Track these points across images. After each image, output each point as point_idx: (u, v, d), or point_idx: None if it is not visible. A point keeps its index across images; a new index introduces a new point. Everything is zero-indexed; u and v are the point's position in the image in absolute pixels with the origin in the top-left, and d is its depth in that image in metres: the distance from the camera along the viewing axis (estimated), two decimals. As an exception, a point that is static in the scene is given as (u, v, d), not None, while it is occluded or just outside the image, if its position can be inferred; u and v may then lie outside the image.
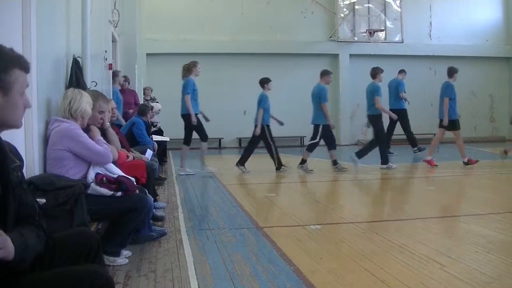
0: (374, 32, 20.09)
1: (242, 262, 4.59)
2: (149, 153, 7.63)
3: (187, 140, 11.28)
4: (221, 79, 19.28)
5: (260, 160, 12.23)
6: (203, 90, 19.09)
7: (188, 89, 10.86)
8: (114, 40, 12.23)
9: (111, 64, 10.91)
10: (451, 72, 12.11)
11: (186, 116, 10.99)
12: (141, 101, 13.05)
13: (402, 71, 15.01)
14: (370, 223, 6.52)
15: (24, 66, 2.16)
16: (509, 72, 22.13)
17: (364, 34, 20.18)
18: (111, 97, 12.06)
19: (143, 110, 10.04)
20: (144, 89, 15.42)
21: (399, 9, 20.41)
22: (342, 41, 20.26)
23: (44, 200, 3.61)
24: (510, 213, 6.83)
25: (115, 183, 4.55)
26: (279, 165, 11.35)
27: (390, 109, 13.67)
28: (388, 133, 13.61)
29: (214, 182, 10.24)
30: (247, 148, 11.73)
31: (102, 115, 5.29)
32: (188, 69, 11.18)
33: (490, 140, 20.82)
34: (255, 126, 11.42)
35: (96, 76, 7.76)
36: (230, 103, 18.72)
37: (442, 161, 12.55)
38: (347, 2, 20.19)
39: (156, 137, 10.95)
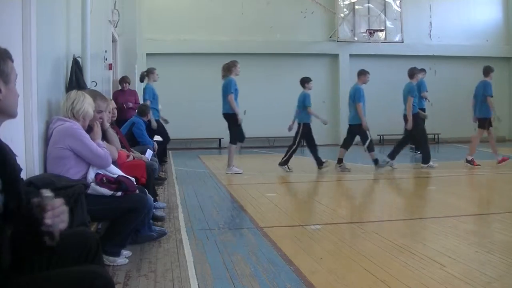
0: (374, 32, 20.08)
1: (242, 262, 4.59)
2: (149, 153, 7.64)
3: (234, 139, 11.39)
4: (221, 79, 19.23)
5: (260, 160, 12.22)
6: (203, 90, 19.21)
7: (232, 89, 11.11)
8: (114, 40, 12.23)
9: (111, 64, 10.91)
10: (487, 71, 12.29)
11: (230, 115, 11.18)
12: (141, 101, 13.04)
13: (422, 70, 14.95)
14: (370, 223, 6.52)
15: (10, 56, 2.23)
16: (509, 72, 22.12)
17: (364, 34, 20.17)
18: (141, 95, 12.21)
19: (143, 110, 10.04)
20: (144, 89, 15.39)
21: (399, 9, 20.40)
22: (342, 41, 20.24)
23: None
24: (510, 213, 6.83)
25: (115, 183, 4.55)
26: (284, 163, 11.36)
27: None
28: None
29: (214, 182, 10.23)
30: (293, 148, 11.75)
31: (100, 114, 5.29)
32: (228, 69, 11.48)
33: (490, 140, 20.77)
34: (299, 125, 11.65)
35: (96, 76, 7.76)
36: (230, 103, 18.69)
37: (443, 161, 12.55)
38: (347, 2, 20.18)
39: (156, 138, 10.95)
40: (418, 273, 4.20)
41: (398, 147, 12.00)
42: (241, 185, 9.88)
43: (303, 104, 11.64)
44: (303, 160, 12.71)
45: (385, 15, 20.31)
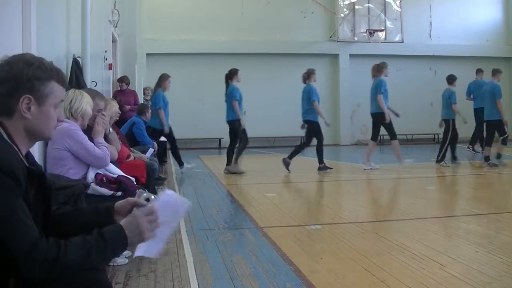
0: (374, 32, 20.09)
1: (242, 262, 4.59)
2: (150, 151, 7.66)
3: (375, 136, 11.82)
4: (221, 79, 19.20)
5: (259, 160, 12.22)
6: (204, 89, 19.23)
7: (382, 89, 11.35)
8: (114, 40, 12.23)
9: (111, 64, 10.92)
10: (496, 72, 12.39)
11: (378, 115, 11.41)
12: (141, 101, 13.06)
13: (480, 71, 15.11)
14: (370, 223, 6.51)
15: (61, 79, 2.16)
16: (509, 72, 22.12)
17: (364, 34, 20.19)
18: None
19: (142, 109, 10.04)
20: (144, 89, 15.42)
21: (399, 9, 20.42)
22: (342, 41, 20.27)
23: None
24: (510, 213, 6.83)
25: (115, 183, 4.55)
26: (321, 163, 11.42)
27: (477, 109, 14.26)
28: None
29: (214, 182, 10.24)
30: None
31: (100, 112, 5.26)
32: (378, 70, 11.69)
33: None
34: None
35: (96, 76, 7.77)
36: (230, 103, 18.69)
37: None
38: (347, 2, 20.20)
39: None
40: (418, 273, 4.19)
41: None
42: (241, 185, 9.89)
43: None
44: (303, 160, 12.70)
45: (385, 15, 20.33)
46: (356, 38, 20.27)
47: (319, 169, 11.26)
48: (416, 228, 6.06)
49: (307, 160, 11.48)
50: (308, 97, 11.39)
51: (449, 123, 12.02)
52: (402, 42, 20.25)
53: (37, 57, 2.13)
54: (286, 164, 11.23)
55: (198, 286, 3.99)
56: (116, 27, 12.22)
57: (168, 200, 2.28)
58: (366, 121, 20.12)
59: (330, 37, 20.51)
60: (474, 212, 7.04)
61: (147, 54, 18.33)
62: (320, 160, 11.34)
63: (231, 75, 11.42)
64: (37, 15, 4.55)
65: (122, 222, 2.10)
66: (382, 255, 4.80)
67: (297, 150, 11.52)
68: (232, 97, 11.21)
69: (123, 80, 11.84)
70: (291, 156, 11.32)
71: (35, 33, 4.50)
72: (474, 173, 11.52)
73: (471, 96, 14.46)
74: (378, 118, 11.50)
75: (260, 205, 7.74)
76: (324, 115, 11.58)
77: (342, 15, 20.17)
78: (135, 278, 4.19)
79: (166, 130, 10.89)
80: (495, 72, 12.20)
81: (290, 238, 5.54)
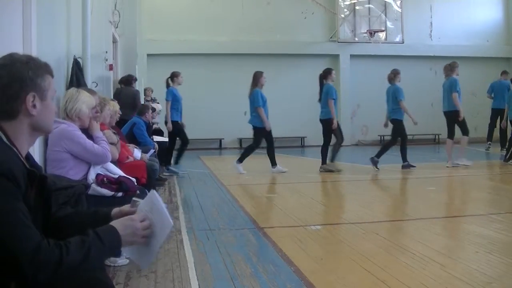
0: (374, 33, 20.09)
1: (242, 263, 4.59)
2: (150, 152, 7.68)
3: (451, 133, 11.98)
4: (221, 80, 19.30)
5: (259, 161, 12.22)
6: (204, 90, 19.21)
7: (457, 87, 11.63)
8: (114, 41, 12.25)
9: (112, 64, 10.93)
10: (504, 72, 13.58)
11: (453, 112, 11.72)
12: (142, 102, 13.06)
13: (505, 72, 15.83)
14: (370, 224, 6.51)
15: (50, 71, 2.20)
16: (510, 72, 22.08)
17: (364, 34, 20.18)
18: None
19: (142, 110, 10.05)
20: (145, 89, 15.42)
21: (399, 10, 20.41)
22: (342, 42, 20.25)
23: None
24: (510, 213, 6.83)
25: (116, 183, 4.56)
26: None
27: (495, 109, 15.32)
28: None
29: (214, 182, 10.24)
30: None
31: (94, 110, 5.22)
32: (451, 69, 12.01)
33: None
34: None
35: (96, 76, 7.78)
36: (231, 104, 18.72)
37: (442, 162, 12.55)
38: (347, 3, 20.19)
39: (156, 138, 10.97)
40: (418, 273, 4.20)
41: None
42: (241, 185, 9.89)
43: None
44: (303, 160, 12.69)
45: (385, 16, 20.33)
46: (356, 39, 20.26)
47: (403, 167, 11.59)
48: (417, 228, 6.07)
49: (306, 161, 11.46)
50: (394, 97, 11.64)
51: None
52: (403, 42, 20.24)
53: (26, 55, 2.16)
54: (374, 163, 11.46)
55: (199, 287, 4.00)
56: (116, 27, 12.23)
57: (155, 203, 2.32)
58: (366, 121, 20.23)
59: (331, 37, 20.50)
60: (475, 213, 7.05)
61: (148, 55, 18.33)
62: (404, 158, 11.64)
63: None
64: (37, 15, 4.56)
65: (116, 222, 2.15)
66: (382, 255, 4.81)
67: (385, 149, 11.78)
68: (452, 88, 11.61)
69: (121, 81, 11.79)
70: (378, 155, 11.60)
71: (35, 34, 4.51)
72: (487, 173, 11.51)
73: (492, 95, 15.40)
74: (453, 116, 11.78)
75: (260, 206, 7.74)
76: (411, 113, 11.75)
77: (342, 15, 20.16)
78: (136, 279, 4.19)
79: (169, 127, 11.22)
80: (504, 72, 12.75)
81: (291, 238, 5.54)
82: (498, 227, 5.98)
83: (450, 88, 11.72)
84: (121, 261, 4.54)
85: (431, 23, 21.39)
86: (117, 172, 4.82)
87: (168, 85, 11.44)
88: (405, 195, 9.23)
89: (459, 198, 8.84)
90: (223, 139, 19.78)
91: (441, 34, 21.23)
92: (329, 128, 11.38)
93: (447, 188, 9.60)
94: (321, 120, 11.62)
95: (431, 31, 21.43)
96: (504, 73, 15.60)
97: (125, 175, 4.80)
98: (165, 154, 11.00)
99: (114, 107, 6.37)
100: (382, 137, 19.42)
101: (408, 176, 11.04)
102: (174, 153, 11.68)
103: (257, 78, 11.55)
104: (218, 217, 6.83)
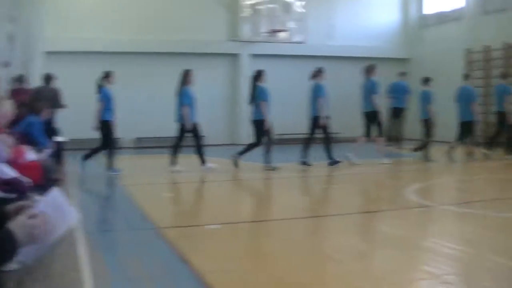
0: (276, 33, 20.32)
1: (139, 263, 4.56)
2: (46, 151, 7.46)
3: (368, 133, 12.42)
4: (120, 78, 18.91)
5: (160, 160, 12.11)
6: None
7: (377, 89, 12.33)
8: (11, 37, 11.79)
9: (7, 61, 10.54)
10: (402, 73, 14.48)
11: (372, 113, 12.21)
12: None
13: (403, 73, 16.68)
14: (271, 222, 6.62)
15: None
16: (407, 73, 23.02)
17: (266, 34, 20.38)
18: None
19: (38, 108, 9.69)
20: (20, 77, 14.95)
21: (302, 10, 20.75)
22: (243, 41, 20.36)
23: None
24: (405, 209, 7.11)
25: (8, 184, 4.41)
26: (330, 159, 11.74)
27: (393, 108, 15.82)
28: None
29: (115, 183, 10.05)
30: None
31: None
32: (370, 71, 12.75)
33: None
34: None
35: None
36: (127, 103, 18.35)
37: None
38: (248, 2, 20.31)
39: (57, 138, 10.62)
40: (314, 269, 4.32)
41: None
42: (142, 185, 9.75)
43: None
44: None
45: (288, 16, 20.61)
46: (257, 38, 20.43)
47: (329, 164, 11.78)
48: (316, 226, 6.22)
49: (209, 160, 11.44)
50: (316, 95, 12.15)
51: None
52: (305, 42, 20.58)
53: None
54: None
55: (95, 289, 3.94)
56: (14, 23, 11.78)
57: (53, 200, 2.28)
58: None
59: (231, 37, 20.56)
60: (370, 210, 7.30)
61: (47, 52, 17.67)
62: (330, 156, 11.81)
63: (258, 76, 12.11)
64: None
65: (11, 225, 2.09)
66: (280, 253, 4.91)
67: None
68: (261, 97, 11.77)
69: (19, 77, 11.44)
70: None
71: None
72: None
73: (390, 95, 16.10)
74: (371, 116, 12.26)
75: (160, 206, 7.69)
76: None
77: (244, 14, 20.27)
78: (29, 283, 4.07)
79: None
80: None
81: (189, 238, 5.56)
82: (391, 223, 6.24)
83: (371, 89, 12.28)
84: (12, 265, 4.39)
85: (332, 24, 21.88)
86: (10, 173, 4.66)
87: (101, 85, 11.18)
88: (308, 193, 9.39)
89: (357, 196, 9.09)
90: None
91: (342, 35, 21.75)
92: (261, 128, 11.57)
93: (349, 185, 9.86)
94: (253, 121, 11.81)
95: (332, 32, 21.93)
96: (402, 74, 16.35)
97: (19, 176, 4.66)
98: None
99: (3, 106, 6.12)
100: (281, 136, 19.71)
101: (304, 175, 11.25)
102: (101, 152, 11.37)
103: (186, 76, 11.59)
104: (116, 217, 6.74)
